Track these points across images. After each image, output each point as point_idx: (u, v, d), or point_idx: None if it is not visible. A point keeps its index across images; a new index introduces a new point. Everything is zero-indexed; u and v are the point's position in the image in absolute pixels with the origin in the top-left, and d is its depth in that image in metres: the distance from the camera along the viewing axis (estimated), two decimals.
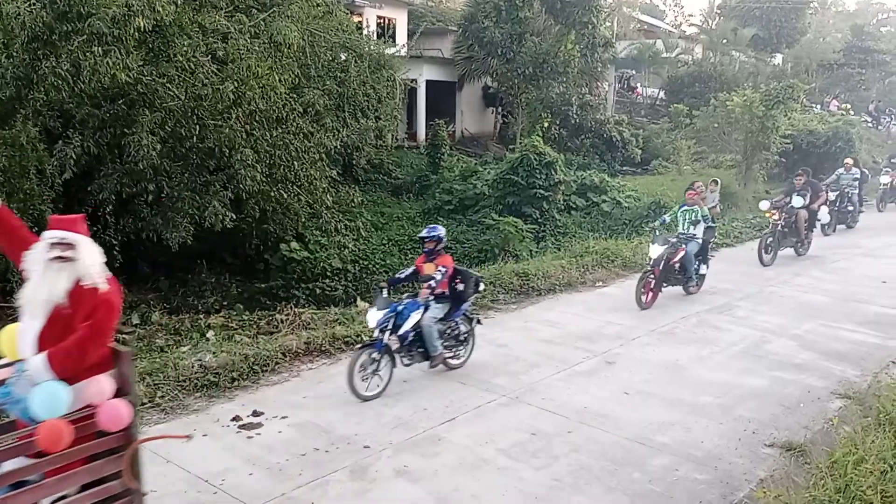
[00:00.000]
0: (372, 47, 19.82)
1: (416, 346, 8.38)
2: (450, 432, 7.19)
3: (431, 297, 8.38)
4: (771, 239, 14.59)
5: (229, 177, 13.25)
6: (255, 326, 11.75)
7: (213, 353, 8.74)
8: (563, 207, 20.45)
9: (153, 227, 13.04)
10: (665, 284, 11.80)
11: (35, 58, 11.00)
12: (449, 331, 8.69)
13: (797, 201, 14.65)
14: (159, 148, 11.83)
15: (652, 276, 11.51)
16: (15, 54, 10.93)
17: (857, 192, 18.28)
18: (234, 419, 7.32)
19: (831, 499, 4.61)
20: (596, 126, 30.18)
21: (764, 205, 15.05)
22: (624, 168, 29.29)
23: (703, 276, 12.40)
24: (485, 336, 10.09)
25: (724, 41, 40.39)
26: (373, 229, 19.15)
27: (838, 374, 8.86)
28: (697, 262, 12.13)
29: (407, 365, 8.40)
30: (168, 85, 12.37)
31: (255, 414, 7.48)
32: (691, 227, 12.01)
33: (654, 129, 32.80)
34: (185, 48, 12.20)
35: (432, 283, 8.29)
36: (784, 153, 23.11)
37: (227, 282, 15.49)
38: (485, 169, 22.85)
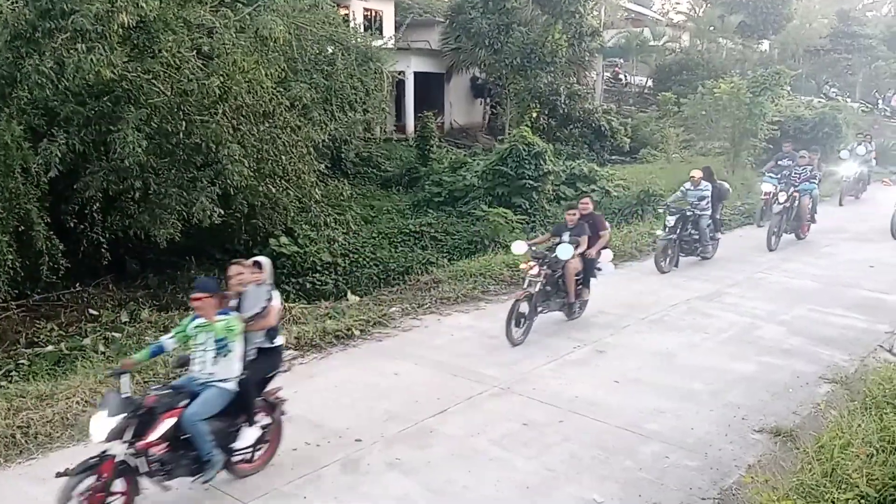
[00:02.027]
0: (359, 40, 19.71)
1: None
2: (441, 424, 7.22)
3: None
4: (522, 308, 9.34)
5: (217, 172, 13.18)
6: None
7: None
8: (552, 198, 20.43)
9: (141, 224, 12.97)
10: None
11: (18, 56, 10.91)
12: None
13: (564, 252, 9.41)
14: (145, 144, 11.74)
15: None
16: None
17: (707, 212, 13.37)
18: None
19: (818, 483, 4.65)
20: (584, 116, 30.13)
21: (519, 247, 9.91)
22: (613, 157, 29.25)
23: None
24: (475, 327, 10.14)
25: (711, 28, 40.37)
26: (362, 222, 19.11)
27: (826, 358, 8.93)
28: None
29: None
30: (153, 81, 12.29)
31: None
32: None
33: (642, 118, 32.78)
34: (169, 44, 12.11)
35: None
36: (772, 140, 23.13)
37: (217, 278, 15.41)
38: (474, 160, 22.81)
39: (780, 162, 16.63)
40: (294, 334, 9.33)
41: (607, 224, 10.64)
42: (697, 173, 13.54)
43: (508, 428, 7.12)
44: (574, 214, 10.01)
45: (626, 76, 42.74)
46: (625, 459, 6.51)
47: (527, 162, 19.62)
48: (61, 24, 10.65)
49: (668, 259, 13.07)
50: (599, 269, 10.35)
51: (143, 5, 11.14)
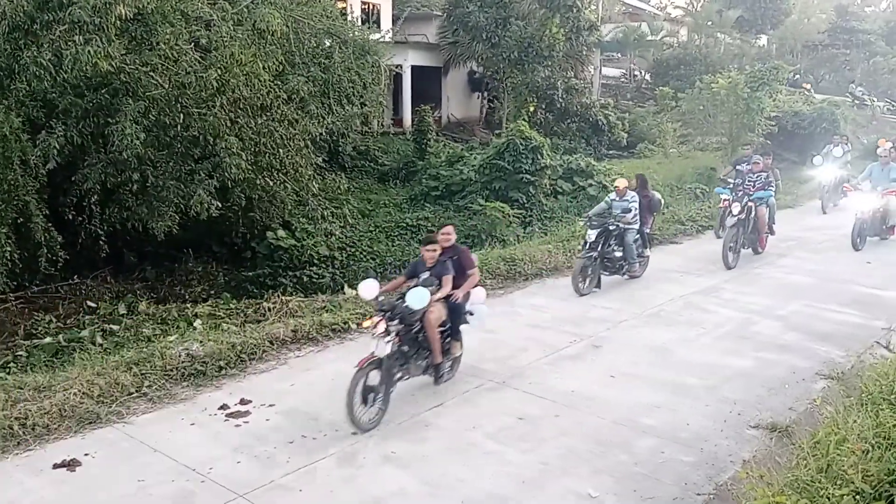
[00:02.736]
0: (356, 33, 19.66)
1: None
2: (437, 418, 7.23)
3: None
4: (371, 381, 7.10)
5: (214, 165, 13.17)
6: (242, 315, 11.71)
7: (201, 341, 8.72)
8: (549, 192, 20.45)
9: (139, 217, 12.97)
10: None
11: (16, 47, 10.89)
12: None
13: (416, 299, 7.06)
14: (143, 137, 11.73)
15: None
16: None
17: (634, 227, 11.86)
18: (221, 408, 7.33)
19: (813, 479, 4.66)
20: (582, 110, 30.15)
21: (367, 290, 7.33)
22: (610, 152, 29.31)
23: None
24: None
25: (709, 23, 40.38)
26: (359, 216, 19.13)
27: (822, 354, 8.95)
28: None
29: None
30: (151, 73, 12.28)
31: (243, 402, 7.49)
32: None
33: (639, 113, 32.82)
34: (167, 36, 12.09)
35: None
36: (769, 135, 23.17)
37: (214, 270, 15.45)
38: (471, 154, 22.82)
39: (738, 167, 14.57)
40: (291, 327, 9.34)
41: (475, 258, 8.46)
42: (623, 182, 12.08)
43: (504, 422, 7.13)
44: (433, 250, 7.74)
45: (640, 72, 42.74)
46: (620, 454, 6.53)
47: (524, 156, 19.63)
48: (59, 16, 10.63)
49: (587, 280, 11.39)
50: (471, 315, 8.02)
51: None
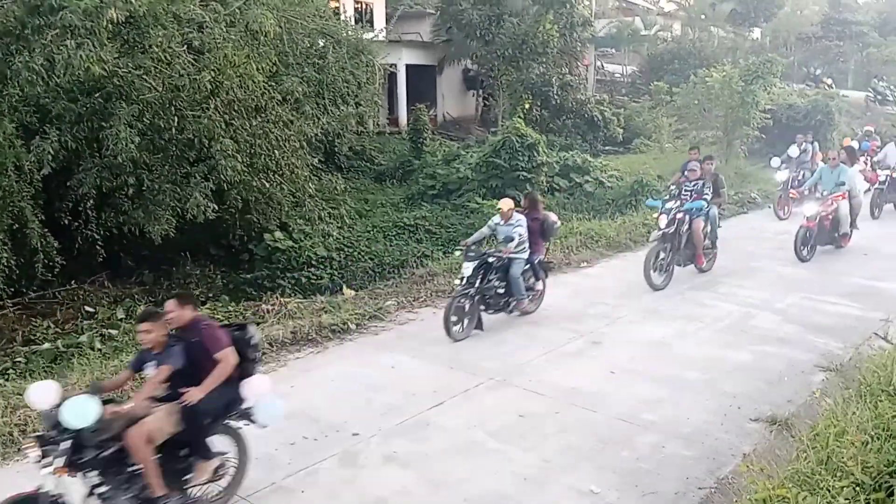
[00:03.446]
0: (350, 33, 19.65)
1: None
2: (438, 417, 7.23)
3: None
4: None
5: (210, 167, 13.16)
6: (240, 317, 11.70)
7: None
8: (546, 189, 20.42)
9: (135, 221, 12.95)
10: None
11: (8, 53, 10.85)
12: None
13: (73, 414, 4.74)
14: (138, 140, 11.72)
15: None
16: None
17: (522, 256, 9.83)
18: None
19: (813, 471, 4.67)
20: (577, 106, 30.14)
21: (39, 396, 4.97)
22: (606, 148, 29.29)
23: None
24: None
25: (703, 17, 40.38)
26: (357, 216, 19.11)
27: (821, 346, 8.97)
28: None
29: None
30: (144, 77, 12.26)
31: None
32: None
33: (635, 108, 32.77)
34: (160, 39, 12.06)
35: None
36: (764, 128, 23.17)
37: (212, 273, 15.43)
38: (467, 152, 22.81)
39: (686, 172, 12.42)
40: (290, 329, 9.34)
41: (225, 337, 5.61)
42: (507, 203, 9.83)
43: (505, 420, 7.14)
44: (148, 331, 5.43)
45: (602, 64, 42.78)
46: (621, 450, 6.54)
47: (520, 153, 19.63)
48: (50, 21, 10.60)
49: (464, 321, 9.29)
50: (248, 409, 5.75)
51: (133, 0, 11.10)
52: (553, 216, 10.65)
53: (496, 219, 9.92)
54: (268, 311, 11.01)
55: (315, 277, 15.36)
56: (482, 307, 9.59)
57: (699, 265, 11.96)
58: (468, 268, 9.33)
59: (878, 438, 4.75)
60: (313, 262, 15.67)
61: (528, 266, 10.00)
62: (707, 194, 11.66)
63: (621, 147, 29.47)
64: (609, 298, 10.95)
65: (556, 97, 29.41)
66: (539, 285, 10.36)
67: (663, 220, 11.27)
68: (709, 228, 12.01)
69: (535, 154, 19.80)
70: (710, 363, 8.50)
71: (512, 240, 9.57)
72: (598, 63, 42.25)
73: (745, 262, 13.04)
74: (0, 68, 10.96)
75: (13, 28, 10.74)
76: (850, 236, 13.55)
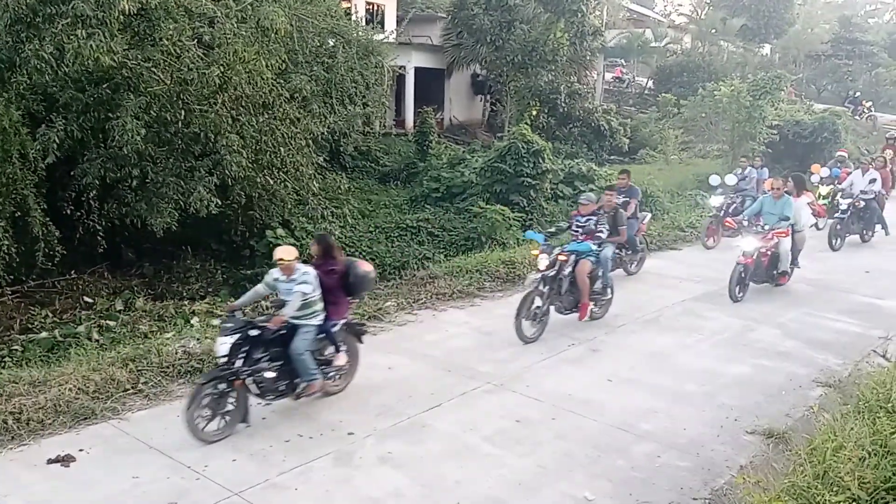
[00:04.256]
0: (360, 33, 19.64)
1: None
2: (435, 419, 7.22)
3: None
4: None
5: (215, 162, 13.14)
6: (240, 313, 11.69)
7: (198, 339, 8.72)
8: (550, 196, 20.42)
9: (138, 213, 12.92)
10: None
11: (18, 40, 10.84)
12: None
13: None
14: (144, 133, 11.69)
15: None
16: None
17: (311, 324, 7.30)
18: None
19: (810, 485, 4.65)
20: (584, 115, 30.15)
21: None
22: (612, 157, 29.27)
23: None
24: (470, 324, 10.14)
25: (713, 31, 40.42)
26: (360, 216, 19.07)
27: (820, 362, 8.95)
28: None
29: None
30: (153, 69, 12.24)
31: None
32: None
33: (642, 119, 32.82)
34: (170, 32, 12.05)
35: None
36: (770, 143, 23.17)
37: (213, 268, 15.39)
38: (472, 157, 22.78)
39: (579, 204, 10.62)
40: None
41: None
42: (289, 252, 7.18)
43: (501, 424, 7.12)
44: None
45: (632, 76, 42.76)
46: (617, 458, 6.52)
47: (525, 160, 19.60)
48: (62, 10, 10.59)
49: (217, 418, 6.73)
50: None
51: None
52: (363, 266, 7.87)
53: (275, 273, 7.30)
54: (266, 308, 10.99)
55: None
56: (255, 394, 7.06)
57: (582, 315, 9.88)
58: (223, 344, 6.77)
59: (875, 455, 4.74)
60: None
61: (321, 335, 7.43)
62: (601, 232, 9.93)
63: (627, 157, 29.46)
64: (609, 307, 10.91)
65: (563, 105, 29.41)
66: (338, 359, 7.60)
67: (543, 261, 9.35)
68: (600, 272, 10.09)
69: (541, 161, 19.76)
70: (709, 375, 8.48)
71: (283, 304, 7.19)
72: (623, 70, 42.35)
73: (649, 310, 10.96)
74: (9, 55, 10.95)
75: (24, 16, 10.72)
76: (791, 274, 12.06)
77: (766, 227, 11.46)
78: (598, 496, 5.89)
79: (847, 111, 37.32)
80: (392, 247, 17.27)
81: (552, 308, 9.65)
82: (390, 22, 31.25)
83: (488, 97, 33.25)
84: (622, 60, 42.97)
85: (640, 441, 6.84)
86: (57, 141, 11.32)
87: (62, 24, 10.51)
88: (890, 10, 64.32)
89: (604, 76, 39.62)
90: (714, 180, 15.86)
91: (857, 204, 15.49)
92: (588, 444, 6.76)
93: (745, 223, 11.81)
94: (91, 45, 10.42)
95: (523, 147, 19.69)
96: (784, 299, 11.64)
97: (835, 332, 10.12)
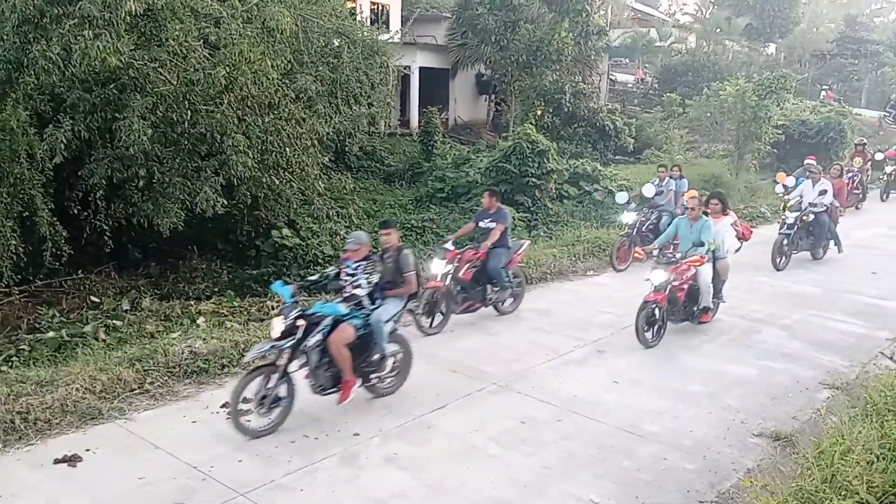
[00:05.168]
0: (365, 33, 19.65)
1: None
2: (440, 420, 7.22)
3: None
4: None
5: (221, 162, 13.16)
6: (245, 313, 11.71)
7: (203, 339, 8.72)
8: (555, 196, 20.40)
9: (144, 213, 12.95)
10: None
11: (26, 41, 10.88)
12: None
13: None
14: (150, 133, 11.71)
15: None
16: (5, 37, 10.81)
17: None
18: (223, 406, 7.30)
19: (817, 489, 4.64)
20: (589, 115, 30.11)
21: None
22: (616, 157, 29.24)
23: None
24: (475, 324, 10.13)
25: (718, 30, 40.40)
26: (365, 216, 19.09)
27: (826, 364, 8.93)
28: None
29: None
30: (160, 69, 12.26)
31: (245, 401, 7.47)
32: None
33: (646, 119, 32.78)
34: (176, 32, 12.07)
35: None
36: (776, 143, 23.13)
37: (218, 268, 15.42)
38: (477, 157, 22.77)
39: (348, 248, 7.83)
40: None
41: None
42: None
43: (506, 425, 7.12)
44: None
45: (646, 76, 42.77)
46: (622, 459, 6.52)
47: (530, 160, 19.59)
48: (69, 10, 10.61)
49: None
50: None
51: None
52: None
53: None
54: (273, 308, 11.02)
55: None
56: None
57: (343, 397, 7.23)
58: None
59: (883, 458, 4.72)
60: (320, 261, 15.66)
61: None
62: (359, 287, 7.34)
63: (632, 157, 29.44)
64: (615, 307, 10.90)
65: (568, 105, 29.39)
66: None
67: (277, 327, 6.85)
68: (378, 337, 7.42)
69: (546, 161, 19.76)
70: (714, 376, 8.46)
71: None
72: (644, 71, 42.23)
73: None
74: (17, 56, 10.98)
75: (32, 17, 10.75)
76: (716, 310, 10.34)
77: (679, 256, 9.71)
78: (603, 498, 5.89)
79: (888, 116, 37.02)
80: None
81: (311, 386, 7.21)
82: (395, 22, 31.26)
83: (493, 97, 33.24)
84: (626, 60, 42.95)
85: (646, 442, 6.84)
86: (64, 141, 11.34)
87: (69, 25, 10.54)
88: None
89: (608, 75, 39.56)
90: (621, 198, 14.06)
91: (804, 218, 13.75)
92: (593, 445, 6.76)
93: (656, 252, 9.86)
94: (98, 46, 10.44)
95: (528, 147, 19.68)
96: (789, 301, 11.61)
97: (841, 334, 10.10)
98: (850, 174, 18.98)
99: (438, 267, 9.79)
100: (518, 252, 10.69)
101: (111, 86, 12.18)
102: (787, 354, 9.25)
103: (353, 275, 7.48)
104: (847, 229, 15.45)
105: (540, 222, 19.01)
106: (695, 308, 9.93)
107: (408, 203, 21.26)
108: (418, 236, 18.01)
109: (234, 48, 12.82)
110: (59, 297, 13.26)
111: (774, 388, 8.15)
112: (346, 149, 21.01)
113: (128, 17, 10.89)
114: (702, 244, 9.64)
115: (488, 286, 10.24)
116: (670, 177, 14.31)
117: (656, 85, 40.23)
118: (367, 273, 7.39)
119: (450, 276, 9.88)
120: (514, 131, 23.29)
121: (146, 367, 7.94)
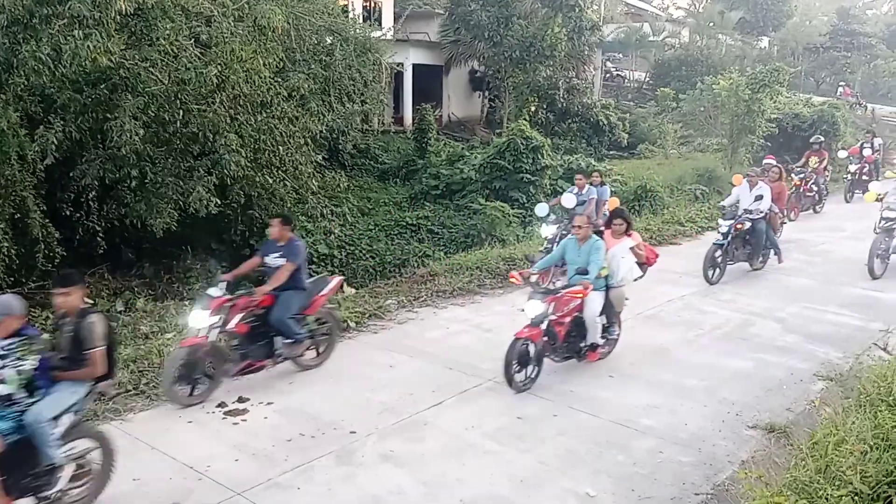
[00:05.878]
0: (357, 31, 19.64)
1: None
2: (436, 417, 7.22)
3: None
4: None
5: (214, 162, 13.13)
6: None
7: None
8: (549, 192, 20.36)
9: (137, 213, 12.92)
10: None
11: (15, 42, 10.85)
12: None
13: None
14: (142, 133, 11.69)
15: None
16: None
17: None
18: (219, 405, 7.31)
19: (812, 479, 4.65)
20: (583, 110, 30.12)
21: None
22: (611, 152, 29.27)
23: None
24: (471, 321, 10.14)
25: (711, 24, 40.34)
26: (359, 214, 19.07)
27: (821, 356, 8.95)
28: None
29: None
30: (150, 69, 12.23)
31: (241, 400, 7.47)
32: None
33: (640, 113, 32.79)
34: (167, 32, 12.04)
35: None
36: (769, 137, 23.14)
37: (213, 268, 15.39)
38: (472, 153, 22.76)
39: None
40: None
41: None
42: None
43: (503, 421, 7.12)
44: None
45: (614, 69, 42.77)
46: (618, 454, 6.52)
47: (524, 156, 19.59)
48: (59, 10, 10.59)
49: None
50: None
51: None
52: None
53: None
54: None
55: (316, 275, 15.31)
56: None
57: None
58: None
59: (877, 448, 4.73)
60: (314, 260, 15.63)
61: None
62: (6, 382, 5.19)
63: (626, 152, 29.47)
64: None
65: (562, 100, 29.39)
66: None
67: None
68: (41, 442, 5.27)
69: (540, 157, 19.76)
70: (710, 370, 8.48)
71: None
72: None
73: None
74: (6, 57, 10.95)
75: (21, 17, 10.73)
76: (614, 345, 8.81)
77: (561, 283, 8.50)
78: (599, 492, 5.89)
79: None
80: (392, 244, 17.27)
81: None
82: (387, 19, 31.18)
83: (487, 93, 33.18)
84: (619, 55, 42.95)
85: (642, 436, 6.85)
86: (55, 142, 11.30)
87: (59, 25, 10.51)
88: (888, 2, 64.25)
89: (602, 71, 39.56)
90: (541, 210, 12.74)
91: (739, 226, 12.37)
92: (589, 440, 6.77)
93: (534, 277, 8.32)
94: (88, 46, 10.42)
95: (522, 143, 19.68)
96: (783, 293, 11.63)
97: (835, 326, 10.12)
98: (800, 175, 17.80)
99: (199, 319, 7.57)
100: (322, 293, 8.55)
101: (102, 86, 12.14)
102: (781, 347, 9.26)
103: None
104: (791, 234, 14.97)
105: (534, 219, 18.99)
106: (581, 344, 8.34)
107: (402, 200, 21.23)
108: (413, 234, 18.00)
109: (226, 47, 12.78)
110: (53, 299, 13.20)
111: (769, 381, 8.17)
112: (340, 147, 21.00)
113: (118, 17, 10.88)
114: (584, 272, 8.00)
115: (278, 338, 8.06)
116: (590, 184, 13.18)
117: (645, 78, 40.28)
118: (17, 357, 5.20)
119: (218, 330, 7.68)
120: (508, 127, 23.29)
121: (141, 369, 7.95)
